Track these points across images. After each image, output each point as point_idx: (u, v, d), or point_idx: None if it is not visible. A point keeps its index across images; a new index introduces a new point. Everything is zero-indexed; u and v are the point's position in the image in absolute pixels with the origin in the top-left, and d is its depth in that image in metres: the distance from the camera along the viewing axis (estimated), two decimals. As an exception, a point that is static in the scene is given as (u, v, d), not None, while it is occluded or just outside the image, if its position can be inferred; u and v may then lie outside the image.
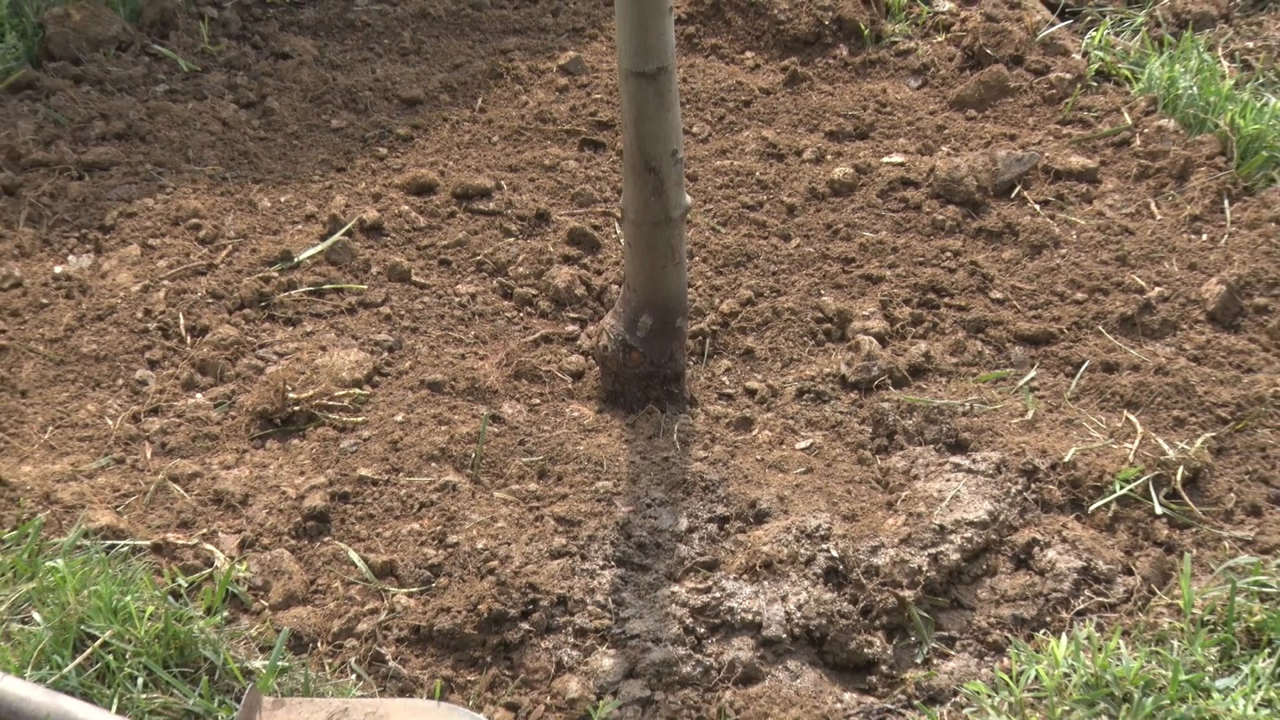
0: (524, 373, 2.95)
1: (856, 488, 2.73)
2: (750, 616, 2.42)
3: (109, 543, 2.48)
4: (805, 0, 4.05)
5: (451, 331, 3.07)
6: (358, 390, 2.86)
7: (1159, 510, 2.64)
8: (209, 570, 2.48)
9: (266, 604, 2.45)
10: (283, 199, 3.40)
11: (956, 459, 2.73)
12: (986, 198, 3.45)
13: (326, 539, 2.56)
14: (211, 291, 3.09)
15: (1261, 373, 2.97)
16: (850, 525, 2.59)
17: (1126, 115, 3.70)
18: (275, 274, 3.14)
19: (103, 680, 2.23)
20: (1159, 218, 3.40)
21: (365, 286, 3.14)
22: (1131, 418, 2.83)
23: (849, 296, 3.18)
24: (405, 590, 2.46)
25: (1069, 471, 2.70)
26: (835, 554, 2.50)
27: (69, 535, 2.46)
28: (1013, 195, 3.47)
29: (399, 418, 2.80)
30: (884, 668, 2.40)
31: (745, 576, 2.48)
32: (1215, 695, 2.23)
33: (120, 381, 2.90)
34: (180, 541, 2.53)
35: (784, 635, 2.40)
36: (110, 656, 2.24)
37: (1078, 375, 2.97)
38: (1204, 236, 3.34)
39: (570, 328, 3.10)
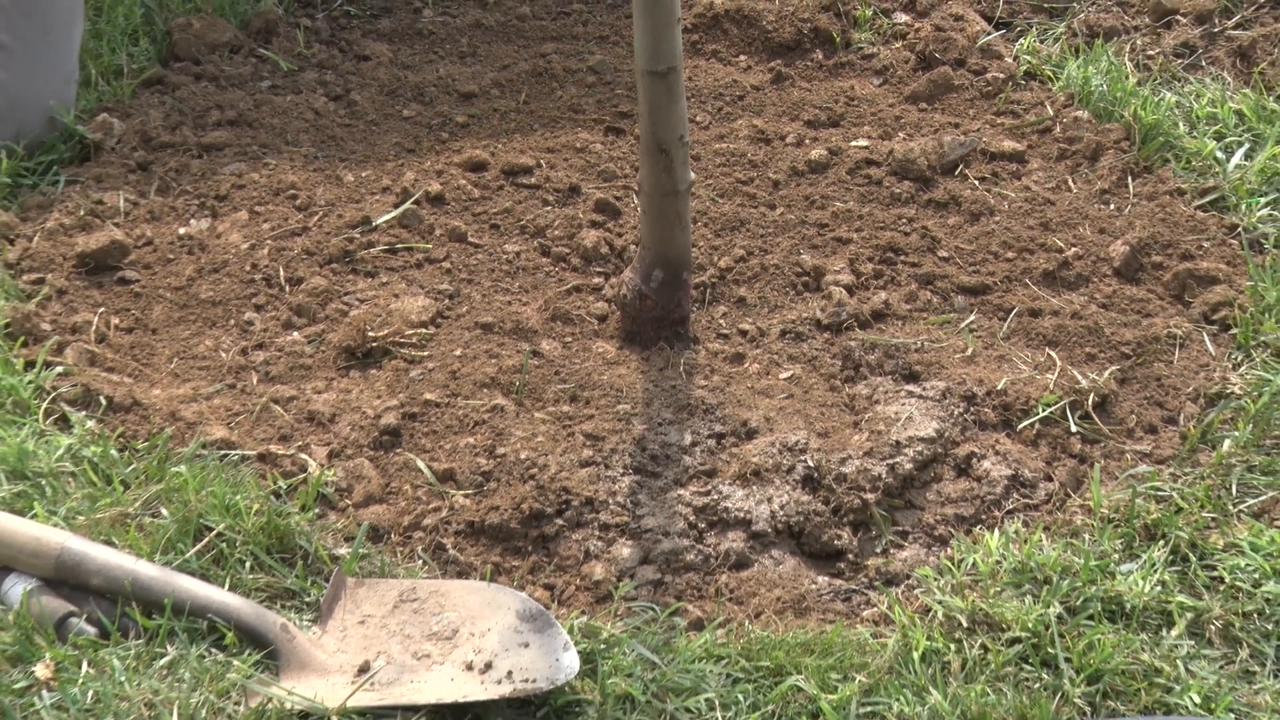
0: (559, 316, 2.90)
1: (828, 410, 2.68)
2: (742, 514, 2.38)
3: (222, 452, 2.44)
4: (789, 14, 3.97)
5: (500, 283, 3.01)
6: (424, 330, 2.82)
7: (1074, 429, 2.60)
8: (303, 475, 2.44)
9: (350, 503, 2.41)
10: (363, 174, 3.34)
11: (910, 387, 2.68)
12: (935, 175, 3.37)
13: (398, 450, 2.52)
14: (306, 249, 3.04)
15: (1157, 317, 2.92)
16: (823, 441, 2.54)
17: (1049, 107, 3.62)
18: (357, 235, 3.08)
19: (217, 564, 2.21)
20: (1075, 191, 3.33)
21: (430, 246, 3.08)
22: (1052, 354, 2.78)
23: (823, 255, 3.11)
24: (462, 492, 2.42)
25: (1001, 397, 2.66)
26: (811, 464, 2.46)
27: (190, 446, 2.43)
28: (956, 173, 3.39)
29: (457, 352, 2.76)
30: (850, 556, 2.37)
31: (738, 482, 2.44)
32: (1119, 577, 2.22)
33: (232, 322, 2.85)
34: (280, 452, 2.50)
35: (769, 530, 2.37)
36: (223, 545, 2.22)
37: (1008, 319, 2.91)
38: (1111, 206, 3.27)
39: (596, 280, 3.04)
